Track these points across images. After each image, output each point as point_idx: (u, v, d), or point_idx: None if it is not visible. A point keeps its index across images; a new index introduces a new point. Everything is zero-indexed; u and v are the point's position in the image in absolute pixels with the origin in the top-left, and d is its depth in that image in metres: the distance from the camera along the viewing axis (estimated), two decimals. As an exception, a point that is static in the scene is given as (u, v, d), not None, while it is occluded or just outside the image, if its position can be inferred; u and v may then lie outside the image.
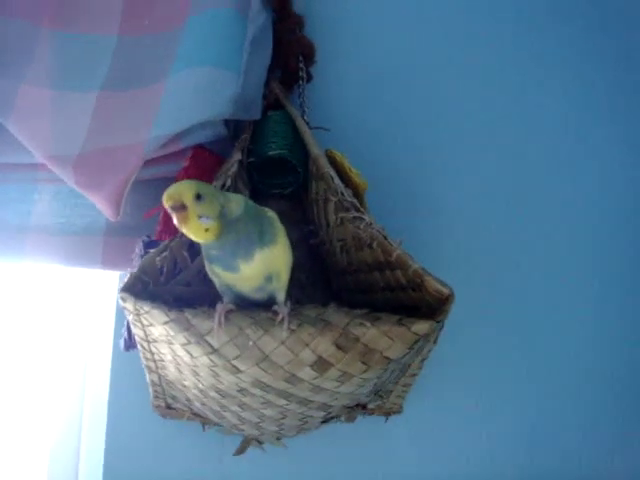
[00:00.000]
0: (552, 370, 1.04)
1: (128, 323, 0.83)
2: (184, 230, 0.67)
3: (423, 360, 0.82)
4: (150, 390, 0.88)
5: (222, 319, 0.71)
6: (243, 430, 0.87)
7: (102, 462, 0.95)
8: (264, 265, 0.72)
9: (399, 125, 1.05)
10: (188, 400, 0.86)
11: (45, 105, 0.92)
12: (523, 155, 1.08)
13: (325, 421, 0.87)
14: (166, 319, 0.71)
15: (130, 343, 0.84)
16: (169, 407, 0.91)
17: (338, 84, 1.05)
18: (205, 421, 0.91)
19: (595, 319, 1.07)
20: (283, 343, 0.71)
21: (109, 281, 1.00)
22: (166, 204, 0.65)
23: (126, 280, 0.73)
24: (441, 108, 1.07)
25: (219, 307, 0.72)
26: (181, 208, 0.65)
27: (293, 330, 0.71)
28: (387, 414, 0.93)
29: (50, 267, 0.99)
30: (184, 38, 0.93)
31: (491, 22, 1.11)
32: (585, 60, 1.13)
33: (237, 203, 0.71)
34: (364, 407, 0.89)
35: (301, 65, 0.99)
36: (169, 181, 0.87)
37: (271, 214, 0.75)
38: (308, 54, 1.00)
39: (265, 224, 0.73)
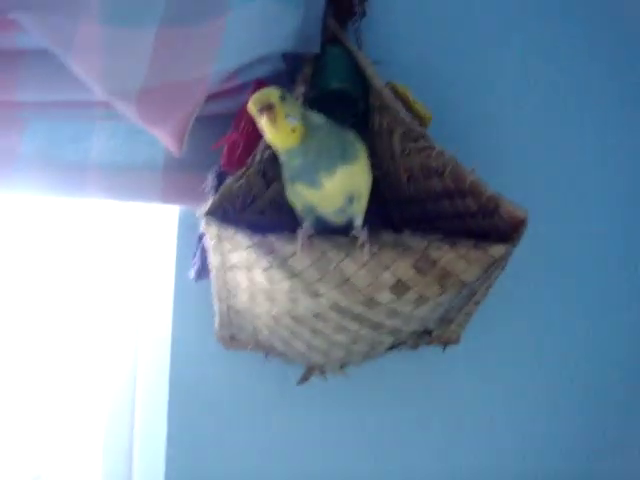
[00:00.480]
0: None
1: (201, 252, 0.85)
2: (272, 131, 0.70)
3: (488, 287, 0.84)
4: (216, 320, 0.90)
5: (305, 242, 0.72)
6: (309, 358, 0.89)
7: (167, 394, 0.96)
8: (346, 182, 0.75)
9: (454, 56, 1.06)
10: (255, 329, 0.88)
11: (105, 41, 0.91)
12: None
13: (391, 348, 0.88)
14: (250, 243, 0.73)
15: (202, 272, 0.86)
16: (233, 338, 0.93)
17: (391, 19, 1.05)
18: (269, 351, 0.93)
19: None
20: (364, 266, 0.73)
21: (168, 217, 1.01)
22: (254, 107, 0.70)
23: (208, 205, 0.74)
24: (497, 39, 1.07)
25: (300, 231, 0.74)
26: (269, 108, 0.69)
27: (374, 253, 0.73)
28: (446, 343, 0.95)
29: (109, 203, 0.99)
30: (243, -28, 0.93)
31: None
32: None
33: (318, 116, 0.75)
34: (429, 334, 0.91)
35: (356, 1, 0.98)
36: (228, 118, 0.89)
37: (353, 133, 0.77)
38: (362, -11, 0.99)
39: (347, 140, 0.76)
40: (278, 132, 0.70)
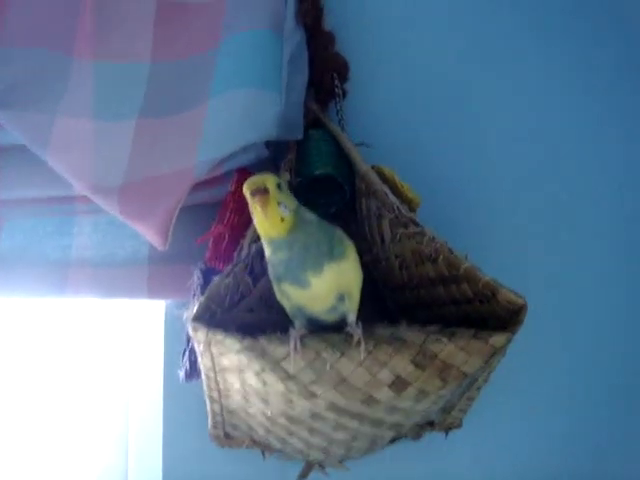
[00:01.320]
0: (609, 375, 1.03)
1: (189, 353, 0.82)
2: (261, 217, 0.68)
3: (490, 373, 0.81)
4: (209, 420, 0.86)
5: (298, 344, 0.69)
6: (308, 455, 0.85)
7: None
8: (335, 280, 0.72)
9: (441, 136, 1.04)
10: (250, 428, 0.84)
11: (83, 136, 0.90)
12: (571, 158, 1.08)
13: (393, 440, 0.85)
14: (240, 347, 0.70)
15: (191, 374, 0.82)
16: (228, 436, 0.89)
17: (372, 99, 1.04)
18: (266, 448, 0.89)
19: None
20: (361, 364, 0.70)
21: (154, 311, 0.98)
22: (248, 189, 0.67)
23: (195, 309, 0.71)
24: (482, 115, 1.06)
25: (293, 332, 0.71)
26: (264, 191, 0.67)
27: (370, 351, 0.70)
28: (448, 429, 0.92)
29: (93, 301, 0.96)
30: (220, 60, 0.92)
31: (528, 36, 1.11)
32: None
33: (310, 212, 0.73)
34: (431, 424, 0.88)
35: (336, 82, 0.97)
36: (211, 207, 0.87)
37: (340, 230, 0.74)
38: (342, 71, 0.98)
39: (335, 238, 0.73)
40: (267, 218, 0.68)
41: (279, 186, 0.69)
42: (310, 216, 0.72)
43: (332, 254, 0.71)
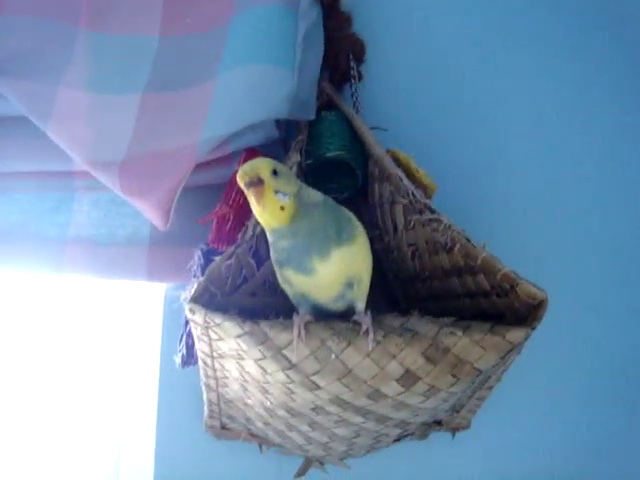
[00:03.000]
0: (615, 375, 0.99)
1: (186, 338, 0.78)
2: (259, 208, 0.63)
3: (504, 371, 0.76)
4: (205, 410, 0.83)
5: (302, 331, 0.65)
6: (308, 451, 0.81)
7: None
8: (343, 266, 0.67)
9: (459, 121, 1.00)
10: (247, 420, 0.80)
11: (86, 109, 0.86)
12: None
13: (398, 439, 0.80)
14: (240, 332, 0.65)
15: (188, 359, 0.78)
16: (224, 427, 0.85)
17: (389, 83, 1.00)
18: (264, 442, 0.85)
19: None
20: (368, 356, 0.66)
21: (154, 294, 0.94)
22: (241, 180, 0.62)
23: (193, 290, 0.67)
24: (501, 102, 1.02)
25: (297, 318, 0.66)
26: (258, 183, 0.62)
27: (379, 341, 0.66)
28: (455, 429, 0.87)
29: (90, 280, 0.92)
30: (231, 35, 0.88)
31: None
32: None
33: (315, 192, 0.67)
34: (439, 423, 0.83)
35: (352, 63, 0.93)
36: (217, 188, 0.83)
37: (348, 211, 0.70)
38: (358, 52, 0.94)
39: (343, 220, 0.68)
40: (265, 210, 0.63)
41: (275, 172, 0.63)
42: (315, 196, 0.67)
43: (340, 238, 0.66)
